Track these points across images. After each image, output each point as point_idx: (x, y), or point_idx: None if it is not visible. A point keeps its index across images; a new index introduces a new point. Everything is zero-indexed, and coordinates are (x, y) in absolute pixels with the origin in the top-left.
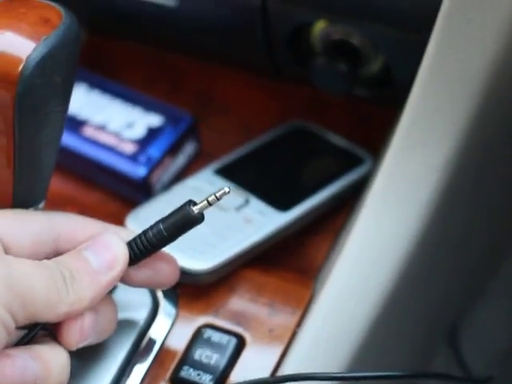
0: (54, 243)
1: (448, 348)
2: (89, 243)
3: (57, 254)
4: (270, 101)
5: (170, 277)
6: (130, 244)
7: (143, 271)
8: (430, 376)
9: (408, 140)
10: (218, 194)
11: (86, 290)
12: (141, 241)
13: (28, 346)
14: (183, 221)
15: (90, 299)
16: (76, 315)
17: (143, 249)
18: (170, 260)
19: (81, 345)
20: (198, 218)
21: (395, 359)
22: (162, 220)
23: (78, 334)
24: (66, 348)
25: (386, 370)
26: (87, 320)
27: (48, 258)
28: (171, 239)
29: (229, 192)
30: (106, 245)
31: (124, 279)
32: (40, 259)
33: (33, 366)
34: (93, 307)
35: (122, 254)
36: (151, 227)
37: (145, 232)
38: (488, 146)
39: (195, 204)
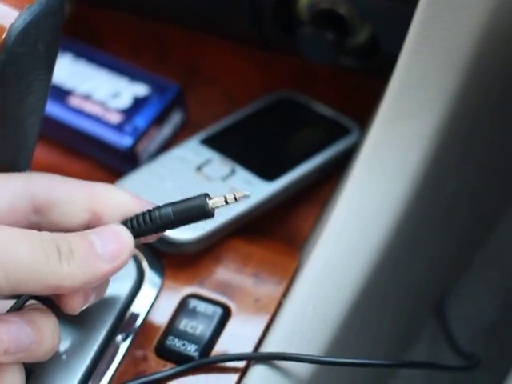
0: (31, 203)
1: (435, 320)
2: (98, 229)
3: (37, 213)
4: (258, 71)
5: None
6: (131, 220)
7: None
8: (416, 365)
9: (395, 110)
10: (237, 195)
11: (83, 270)
12: (143, 218)
13: (20, 312)
14: (195, 211)
15: (83, 280)
16: (65, 292)
17: (144, 226)
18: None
19: (83, 308)
20: (210, 213)
21: (381, 331)
22: (173, 203)
23: (82, 298)
24: (69, 313)
25: (370, 358)
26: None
27: (29, 218)
28: (176, 225)
29: (248, 196)
30: (114, 234)
31: None
32: (19, 219)
33: (27, 330)
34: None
35: (129, 246)
36: (159, 207)
37: (150, 211)
38: (475, 116)
39: (210, 198)
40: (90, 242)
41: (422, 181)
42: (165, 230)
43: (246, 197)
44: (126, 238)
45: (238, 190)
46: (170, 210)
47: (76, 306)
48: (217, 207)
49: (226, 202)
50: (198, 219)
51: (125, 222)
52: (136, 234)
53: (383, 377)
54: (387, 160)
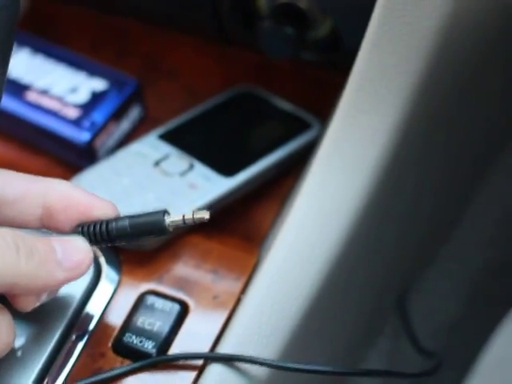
0: None
1: (397, 315)
2: (61, 238)
3: None
4: (218, 66)
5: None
6: (87, 226)
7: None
8: (373, 374)
9: (354, 105)
10: (196, 217)
11: (40, 272)
12: (100, 227)
13: None
14: (152, 226)
15: (39, 283)
16: (20, 291)
17: (99, 235)
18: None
19: (36, 306)
20: (167, 231)
21: (342, 326)
22: (131, 216)
23: (35, 297)
24: (21, 310)
25: (327, 365)
26: None
27: None
28: (131, 238)
29: (207, 220)
30: (76, 246)
31: None
32: None
33: None
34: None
35: (88, 261)
36: (116, 219)
37: (108, 222)
38: (437, 111)
39: (169, 214)
40: (52, 247)
41: (383, 176)
42: (119, 241)
43: (204, 220)
44: (87, 252)
45: (196, 186)
46: (126, 222)
47: (28, 304)
48: (175, 225)
49: (184, 223)
50: (153, 234)
51: (81, 227)
52: (89, 240)
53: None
54: (347, 155)
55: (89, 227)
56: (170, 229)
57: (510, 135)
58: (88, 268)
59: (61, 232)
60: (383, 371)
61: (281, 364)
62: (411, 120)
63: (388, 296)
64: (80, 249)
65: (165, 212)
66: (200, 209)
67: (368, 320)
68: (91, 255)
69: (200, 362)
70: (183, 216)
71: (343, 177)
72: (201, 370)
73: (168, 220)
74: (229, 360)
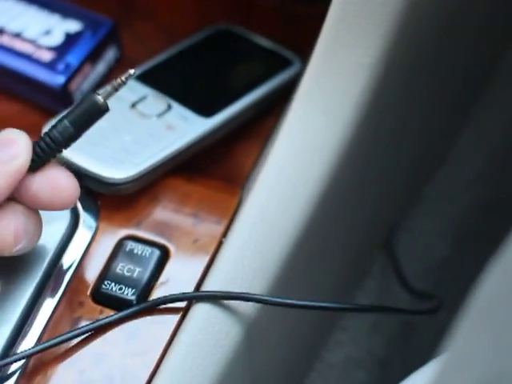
0: None
1: (384, 255)
2: None
3: None
4: (195, 4)
5: (68, 196)
6: (32, 147)
7: (41, 183)
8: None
9: (335, 39)
10: (123, 77)
11: None
12: (45, 142)
13: None
14: (90, 112)
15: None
16: None
17: (48, 150)
18: (70, 178)
19: (14, 250)
20: (104, 107)
21: (328, 268)
22: (66, 115)
23: (13, 237)
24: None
25: (319, 301)
26: (19, 222)
27: None
28: (79, 134)
29: (134, 74)
30: (9, 138)
31: (21, 190)
32: None
33: None
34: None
35: (26, 145)
36: (54, 126)
37: (48, 132)
38: (421, 42)
39: (99, 94)
40: None
41: (366, 111)
42: (71, 142)
43: (131, 76)
44: (21, 138)
45: (174, 127)
46: (65, 122)
47: (6, 246)
48: (108, 97)
49: (115, 89)
50: (96, 118)
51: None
52: (42, 159)
53: (330, 315)
54: (328, 91)
55: (33, 147)
56: (107, 104)
57: (494, 71)
58: (29, 150)
59: None
60: (383, 307)
61: (275, 299)
62: (394, 53)
63: (375, 236)
64: (12, 138)
65: (94, 93)
66: (179, 151)
67: (355, 260)
68: (25, 138)
69: (184, 305)
70: (112, 83)
71: (325, 113)
72: (185, 313)
73: (100, 97)
74: (217, 298)
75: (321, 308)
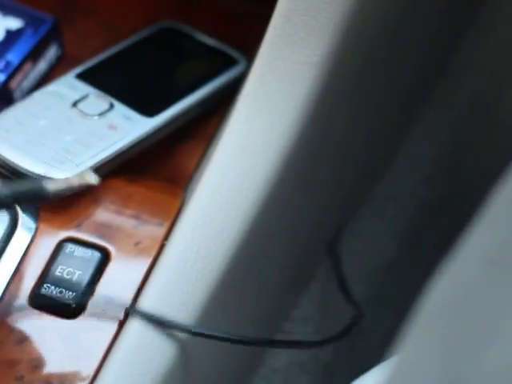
0: None
1: (329, 260)
2: None
3: None
4: (138, 2)
5: None
6: None
7: None
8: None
9: (281, 37)
10: (82, 182)
11: None
12: None
13: None
14: (33, 193)
15: None
16: None
17: None
18: None
19: None
20: (50, 196)
21: (271, 272)
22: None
23: None
24: None
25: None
26: None
27: None
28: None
29: (97, 183)
30: None
31: None
32: None
33: None
34: None
35: None
36: None
37: None
38: (368, 46)
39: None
40: None
41: (312, 112)
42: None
43: (92, 184)
44: None
45: (116, 127)
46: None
47: None
48: (57, 194)
49: (70, 190)
50: (36, 202)
51: None
52: None
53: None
54: (274, 91)
55: None
56: (52, 194)
57: (442, 72)
58: None
59: None
60: (289, 341)
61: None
62: (342, 53)
63: (320, 238)
64: None
65: (44, 180)
66: (121, 151)
67: (299, 264)
68: None
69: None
70: (67, 181)
71: (270, 114)
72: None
73: (50, 187)
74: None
75: (242, 343)
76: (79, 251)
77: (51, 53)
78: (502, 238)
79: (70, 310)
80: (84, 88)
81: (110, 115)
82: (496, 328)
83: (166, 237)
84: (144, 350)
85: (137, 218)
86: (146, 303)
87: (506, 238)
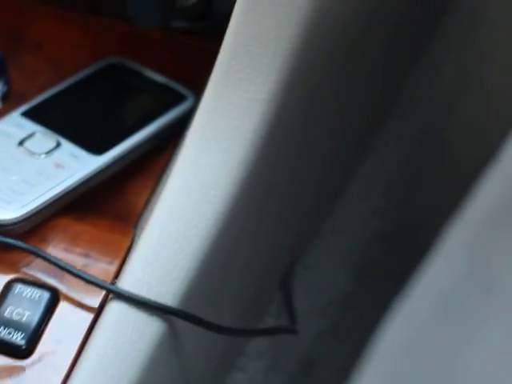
0: None
1: (281, 294)
2: None
3: None
4: (86, 37)
5: None
6: None
7: None
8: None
9: (228, 74)
10: None
11: None
12: None
13: None
14: None
15: None
16: None
17: None
18: None
19: None
20: None
21: (224, 309)
22: None
23: None
24: None
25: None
26: None
27: None
28: None
29: None
30: None
31: None
32: None
33: None
34: None
35: None
36: None
37: None
38: (317, 79)
39: None
40: None
41: (262, 147)
42: None
43: None
44: None
45: (63, 166)
46: None
47: None
48: None
49: None
50: None
51: None
52: None
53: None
54: (221, 127)
55: None
56: None
57: (392, 104)
58: None
59: None
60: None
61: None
62: (289, 89)
63: (273, 273)
64: None
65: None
66: (68, 190)
67: (252, 299)
68: None
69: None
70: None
71: (218, 150)
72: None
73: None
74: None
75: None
76: (28, 291)
77: None
78: (455, 279)
79: (19, 351)
80: (30, 126)
81: (57, 154)
82: (451, 372)
83: (117, 275)
84: (126, 332)
85: (86, 256)
86: None
87: (458, 278)
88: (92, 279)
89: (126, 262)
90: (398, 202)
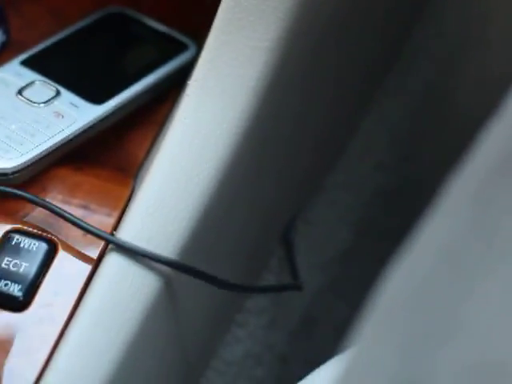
0: None
1: (282, 249)
2: None
3: None
4: None
5: None
6: None
7: None
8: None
9: (230, 22)
10: None
11: None
12: None
13: None
14: None
15: None
16: None
17: None
18: None
19: None
20: None
21: (223, 263)
22: None
23: None
24: None
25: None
26: None
27: None
28: None
29: None
30: None
31: None
32: None
33: None
34: None
35: None
36: None
37: None
38: (321, 29)
39: None
40: None
41: (264, 96)
42: None
43: None
44: None
45: (63, 115)
46: None
47: None
48: None
49: None
50: None
51: None
52: None
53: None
54: (223, 76)
55: None
56: None
57: (396, 58)
58: None
59: None
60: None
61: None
62: (294, 37)
63: (274, 227)
64: None
65: None
66: (68, 139)
67: (253, 253)
68: None
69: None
70: None
71: (220, 99)
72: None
73: None
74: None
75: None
76: (26, 242)
77: None
78: (459, 229)
79: (17, 302)
80: (30, 75)
81: (57, 103)
82: (454, 322)
83: (115, 227)
84: (124, 284)
85: (85, 207)
86: None
87: (462, 228)
88: (91, 228)
89: (126, 212)
90: (400, 157)
